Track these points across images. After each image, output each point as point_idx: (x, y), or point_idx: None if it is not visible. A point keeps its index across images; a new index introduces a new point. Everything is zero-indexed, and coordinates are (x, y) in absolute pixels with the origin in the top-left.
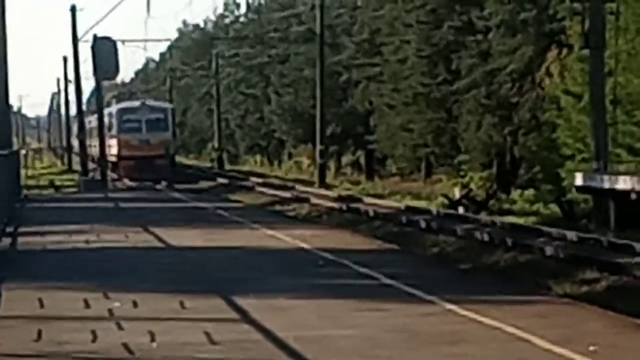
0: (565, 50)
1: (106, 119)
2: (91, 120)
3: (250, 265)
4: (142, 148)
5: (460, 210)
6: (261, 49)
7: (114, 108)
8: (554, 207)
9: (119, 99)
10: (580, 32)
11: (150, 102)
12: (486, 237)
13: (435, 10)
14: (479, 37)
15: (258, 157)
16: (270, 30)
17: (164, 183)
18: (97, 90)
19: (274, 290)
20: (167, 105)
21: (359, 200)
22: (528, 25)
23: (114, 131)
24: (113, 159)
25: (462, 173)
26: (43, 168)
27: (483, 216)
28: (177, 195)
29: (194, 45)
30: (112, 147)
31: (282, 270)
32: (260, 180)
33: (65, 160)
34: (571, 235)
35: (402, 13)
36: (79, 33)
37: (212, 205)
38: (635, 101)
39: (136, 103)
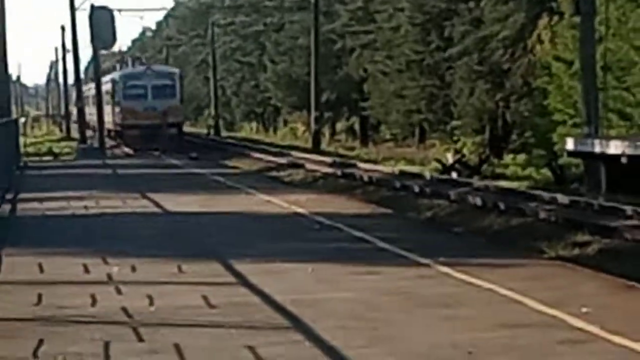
0: (556, 17)
1: (109, 86)
2: (90, 88)
3: (246, 230)
4: (148, 116)
5: (454, 175)
6: (256, 18)
7: (116, 74)
8: (546, 172)
9: (122, 65)
10: (571, 1)
11: (156, 67)
12: (479, 202)
13: None
14: (471, 4)
15: (254, 124)
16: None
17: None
18: (95, 59)
19: (270, 254)
20: (174, 69)
21: (354, 166)
22: None
23: (117, 98)
24: (117, 128)
25: (455, 138)
26: (42, 136)
27: (476, 181)
28: (173, 161)
29: (190, 14)
30: (116, 116)
31: (278, 235)
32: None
33: (64, 128)
34: (563, 199)
35: None
36: (77, 2)
37: (209, 171)
38: (626, 67)
39: (141, 68)
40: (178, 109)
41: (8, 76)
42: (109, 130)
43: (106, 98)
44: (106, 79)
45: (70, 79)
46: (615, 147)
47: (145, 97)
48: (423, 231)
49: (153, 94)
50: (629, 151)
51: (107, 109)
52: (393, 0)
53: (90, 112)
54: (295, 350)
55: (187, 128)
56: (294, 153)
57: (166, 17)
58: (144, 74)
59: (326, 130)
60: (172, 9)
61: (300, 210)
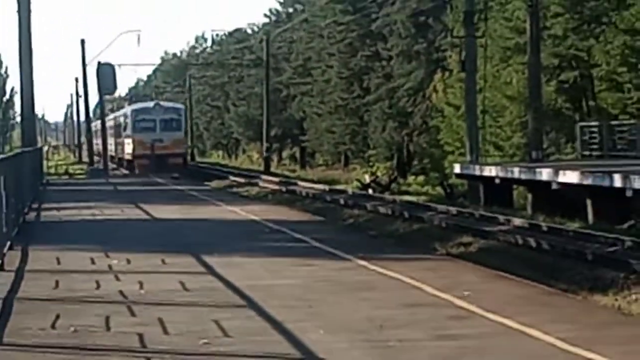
0: (447, 73)
1: (121, 119)
2: (97, 124)
3: (214, 232)
4: (156, 147)
5: (370, 191)
6: (222, 72)
7: (128, 109)
8: (439, 189)
9: (131, 102)
10: (458, 60)
11: (164, 103)
12: (389, 211)
13: (352, 43)
14: (384, 63)
15: (220, 152)
16: (229, 57)
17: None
18: (100, 103)
19: (232, 251)
20: (179, 105)
21: (295, 184)
22: (420, 54)
23: (128, 131)
24: (128, 157)
25: (370, 163)
26: (60, 160)
27: (386, 195)
28: (160, 180)
29: (172, 69)
30: (127, 146)
31: (238, 236)
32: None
33: (77, 154)
34: (452, 209)
35: (327, 45)
36: (87, 59)
37: (186, 187)
38: (499, 111)
39: (150, 104)
40: (183, 141)
41: (35, 115)
42: (120, 159)
43: (118, 130)
44: (118, 113)
45: (82, 117)
46: (490, 171)
47: (154, 130)
48: (346, 234)
49: (161, 127)
50: (501, 174)
51: (119, 140)
52: (325, 59)
53: (97, 142)
54: (249, 323)
55: None
56: (250, 174)
57: (155, 70)
58: (153, 109)
59: (275, 157)
60: (159, 64)
61: (254, 217)
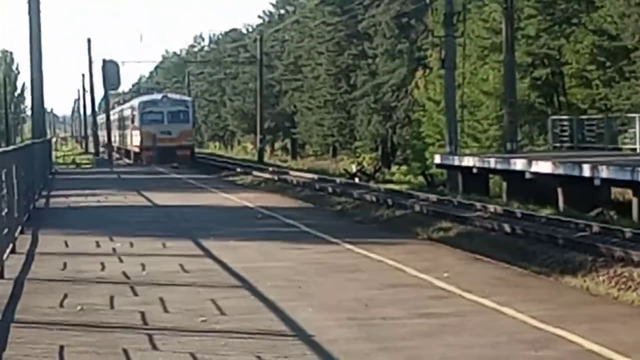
0: (428, 70)
1: (129, 112)
2: (102, 118)
3: (211, 218)
4: (164, 139)
5: (356, 180)
6: (219, 69)
7: (136, 101)
8: (421, 178)
9: (139, 95)
10: (438, 58)
11: (172, 95)
12: (374, 199)
13: (339, 42)
14: (369, 61)
15: (217, 144)
16: (225, 55)
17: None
18: (105, 97)
19: (227, 235)
20: (187, 97)
21: (287, 173)
22: (403, 53)
23: (136, 123)
24: (136, 149)
25: (357, 154)
26: (68, 151)
27: (372, 184)
28: (160, 169)
29: (173, 66)
30: (135, 138)
31: (233, 221)
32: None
33: (83, 145)
34: (432, 197)
35: (316, 44)
36: (93, 56)
37: (185, 176)
38: (476, 105)
39: (158, 96)
40: (190, 133)
41: (44, 109)
42: (127, 151)
43: (125, 122)
44: (125, 105)
45: (88, 111)
46: (468, 161)
47: (162, 122)
48: (334, 219)
49: (169, 119)
50: (478, 164)
51: (127, 132)
52: (314, 58)
53: (102, 134)
54: (243, 302)
55: None
56: (245, 164)
57: (156, 67)
58: (161, 101)
59: (268, 148)
60: (161, 62)
61: (248, 204)
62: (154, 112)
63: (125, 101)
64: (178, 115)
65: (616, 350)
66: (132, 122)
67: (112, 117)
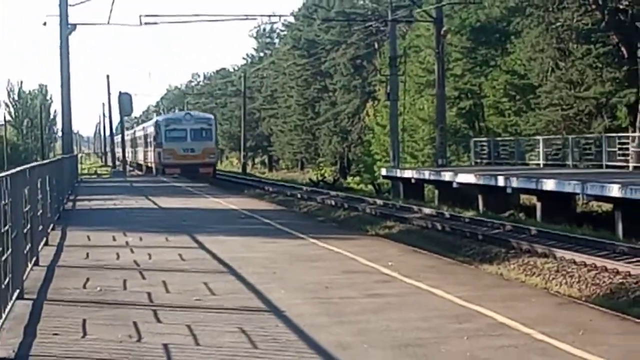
0: (376, 102)
1: (151, 129)
2: (118, 138)
3: (204, 218)
4: (187, 157)
5: (319, 187)
6: (211, 100)
7: (159, 118)
8: (370, 187)
9: (158, 114)
10: (385, 92)
11: (194, 113)
12: (333, 202)
13: (306, 79)
14: (330, 94)
15: None
16: (216, 89)
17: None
18: (121, 122)
19: (217, 231)
20: (209, 115)
21: (264, 182)
22: (357, 87)
23: (159, 140)
24: (158, 166)
25: (320, 167)
26: (91, 164)
27: (331, 191)
28: (164, 179)
29: (174, 97)
30: (157, 155)
31: (221, 220)
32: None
33: (103, 159)
34: (379, 202)
35: (288, 80)
36: (112, 89)
37: (184, 184)
38: (414, 129)
39: (181, 113)
40: (213, 150)
41: (72, 130)
42: (149, 168)
43: (148, 140)
44: (148, 123)
45: (107, 133)
46: (408, 174)
47: (185, 140)
48: (302, 219)
49: (192, 137)
50: (415, 176)
51: (149, 149)
52: (287, 91)
53: (118, 151)
54: (230, 285)
55: None
56: (231, 175)
57: (161, 98)
58: (184, 118)
59: (249, 162)
60: (165, 94)
61: (233, 207)
62: (177, 130)
63: (137, 124)
64: (201, 132)
65: (522, 323)
66: (155, 139)
67: (126, 138)
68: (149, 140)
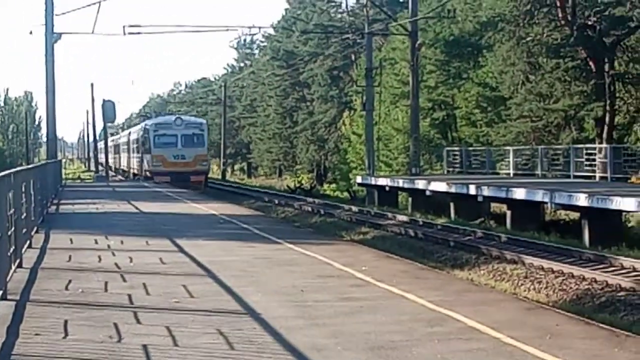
0: (353, 112)
1: (138, 134)
2: (101, 144)
3: (184, 222)
4: (177, 164)
5: (297, 194)
6: (192, 108)
7: (147, 123)
8: (346, 194)
9: (146, 119)
10: (360, 102)
11: (185, 117)
12: (309, 209)
13: (285, 89)
14: (308, 104)
15: None
16: (197, 98)
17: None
18: (104, 129)
19: (196, 236)
20: (201, 120)
21: (243, 188)
22: (334, 98)
23: (148, 146)
24: (147, 173)
25: (297, 175)
26: (74, 169)
27: (309, 198)
28: (145, 184)
29: (157, 105)
30: (146, 162)
31: (200, 225)
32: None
33: (86, 165)
34: (354, 208)
35: (267, 90)
36: (96, 95)
37: (164, 189)
38: (389, 139)
39: (171, 118)
40: (205, 157)
41: (56, 136)
42: (135, 175)
43: (135, 146)
44: (135, 128)
45: (91, 139)
46: (382, 181)
47: (175, 146)
48: (279, 224)
49: (182, 143)
50: (390, 184)
51: (137, 155)
52: (266, 100)
53: (101, 157)
54: (208, 287)
55: None
56: (211, 181)
57: (144, 106)
58: (174, 123)
59: (229, 169)
60: (147, 102)
61: (213, 212)
62: (167, 135)
63: (121, 130)
64: (192, 138)
65: (491, 327)
66: (143, 144)
67: (109, 144)
68: (133, 146)
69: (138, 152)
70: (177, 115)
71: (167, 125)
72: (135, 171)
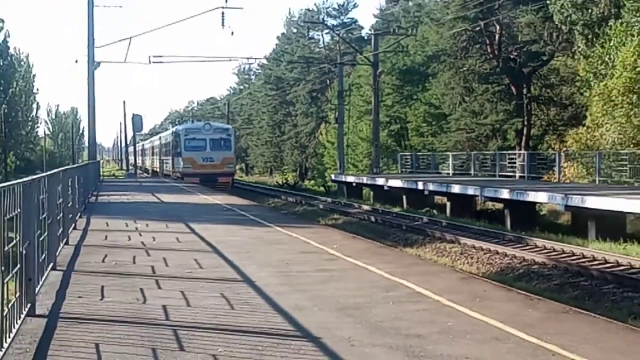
0: (328, 124)
1: (169, 138)
2: (132, 149)
3: (195, 210)
4: (206, 166)
5: (284, 188)
6: (203, 121)
7: (179, 127)
8: (322, 188)
9: (174, 125)
10: (334, 117)
11: (214, 123)
12: (294, 199)
13: (275, 106)
14: (293, 118)
15: None
16: (206, 113)
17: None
18: (133, 136)
19: (205, 220)
20: (228, 126)
21: (242, 183)
22: (313, 113)
23: (179, 149)
24: (177, 175)
25: (284, 173)
26: (110, 168)
27: (293, 191)
28: (166, 180)
29: (174, 119)
30: (177, 164)
31: (208, 212)
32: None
33: (119, 165)
34: (328, 200)
35: (261, 107)
36: (127, 111)
37: (181, 185)
38: (355, 146)
39: (200, 123)
40: (232, 160)
41: (96, 142)
42: (166, 175)
43: (166, 149)
44: (165, 133)
45: (123, 144)
46: (350, 179)
47: (204, 149)
48: (270, 212)
49: (211, 146)
50: (356, 181)
51: (167, 158)
52: (260, 115)
53: (131, 159)
54: (214, 261)
55: None
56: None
57: (165, 119)
58: (203, 128)
59: None
60: (167, 116)
61: (218, 202)
62: (197, 139)
63: (149, 137)
64: (220, 142)
65: (434, 292)
66: (175, 148)
67: (137, 149)
68: (164, 149)
69: (168, 154)
70: (206, 121)
71: (197, 130)
72: (166, 172)
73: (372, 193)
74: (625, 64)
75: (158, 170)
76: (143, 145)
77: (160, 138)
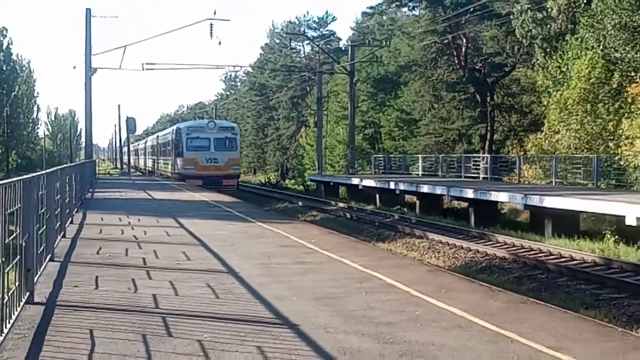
0: (307, 128)
1: (170, 137)
2: (125, 149)
3: (184, 206)
4: (209, 167)
5: (266, 186)
6: None
7: (180, 125)
8: (302, 187)
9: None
10: (313, 121)
11: (218, 121)
12: (276, 196)
13: (259, 111)
14: (276, 122)
15: None
16: (195, 117)
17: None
18: (127, 138)
19: (193, 216)
20: (234, 124)
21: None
22: (294, 118)
23: (180, 149)
24: (178, 176)
25: (267, 173)
26: (105, 167)
27: (275, 189)
28: (157, 178)
29: (165, 121)
30: (178, 165)
31: (196, 208)
32: None
33: (114, 164)
34: (308, 198)
35: (247, 112)
36: (122, 114)
37: (171, 183)
38: (333, 148)
39: (204, 121)
40: (237, 161)
41: (92, 143)
42: (163, 176)
43: (166, 149)
44: (166, 131)
45: (118, 145)
46: (328, 179)
47: (208, 149)
48: (253, 208)
49: (215, 146)
50: (333, 180)
51: (167, 159)
52: (245, 119)
53: (125, 158)
54: (201, 253)
55: None
56: None
57: (157, 122)
58: (207, 126)
59: None
60: (159, 118)
61: (205, 199)
62: (200, 138)
63: (140, 139)
64: (224, 142)
65: (403, 283)
66: (175, 147)
67: (131, 149)
68: (162, 149)
69: (167, 154)
70: (210, 119)
71: (200, 128)
72: (164, 173)
73: (347, 192)
74: (580, 75)
75: (152, 170)
76: (136, 146)
77: (157, 137)
